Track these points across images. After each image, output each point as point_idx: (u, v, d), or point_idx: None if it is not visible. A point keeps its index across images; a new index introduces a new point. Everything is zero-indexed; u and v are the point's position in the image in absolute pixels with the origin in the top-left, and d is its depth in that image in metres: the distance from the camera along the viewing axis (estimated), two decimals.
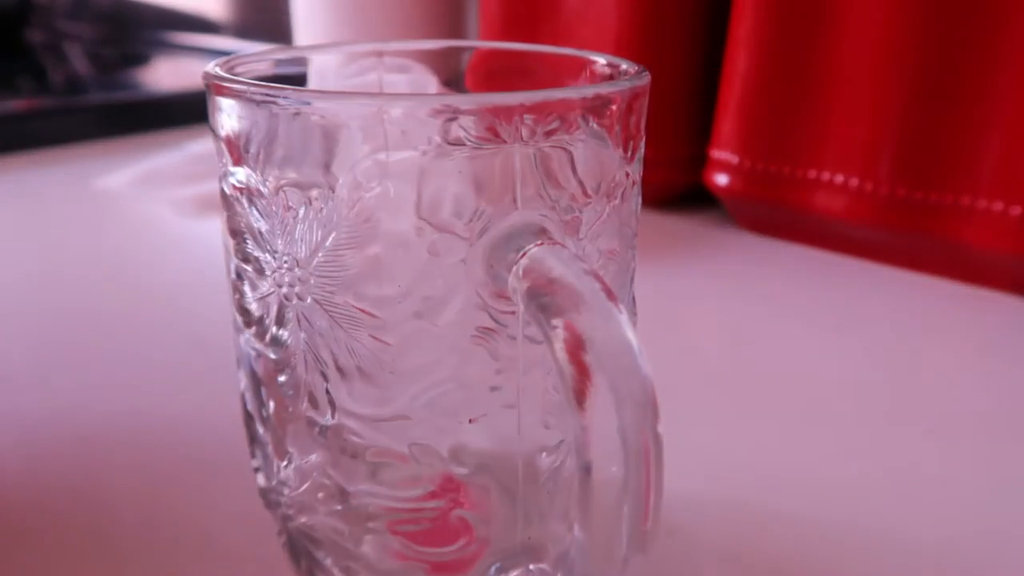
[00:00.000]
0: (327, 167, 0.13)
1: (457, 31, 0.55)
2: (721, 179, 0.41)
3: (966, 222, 0.34)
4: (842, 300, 0.35)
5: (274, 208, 0.14)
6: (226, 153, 0.15)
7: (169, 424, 0.25)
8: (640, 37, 0.41)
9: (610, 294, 0.12)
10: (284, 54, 0.18)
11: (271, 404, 0.16)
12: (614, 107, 0.14)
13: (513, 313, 0.14)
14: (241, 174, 0.14)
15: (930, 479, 0.23)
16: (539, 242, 0.13)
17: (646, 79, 0.15)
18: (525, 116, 0.13)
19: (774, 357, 0.30)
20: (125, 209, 0.45)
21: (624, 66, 0.16)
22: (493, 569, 0.16)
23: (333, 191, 0.13)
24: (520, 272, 0.13)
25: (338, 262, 0.14)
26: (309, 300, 0.14)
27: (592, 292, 0.12)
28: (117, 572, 0.19)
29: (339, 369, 0.14)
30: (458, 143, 0.13)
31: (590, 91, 0.14)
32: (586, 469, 0.11)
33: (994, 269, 0.35)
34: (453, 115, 0.13)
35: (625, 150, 0.15)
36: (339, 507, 0.16)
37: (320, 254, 0.14)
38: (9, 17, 0.91)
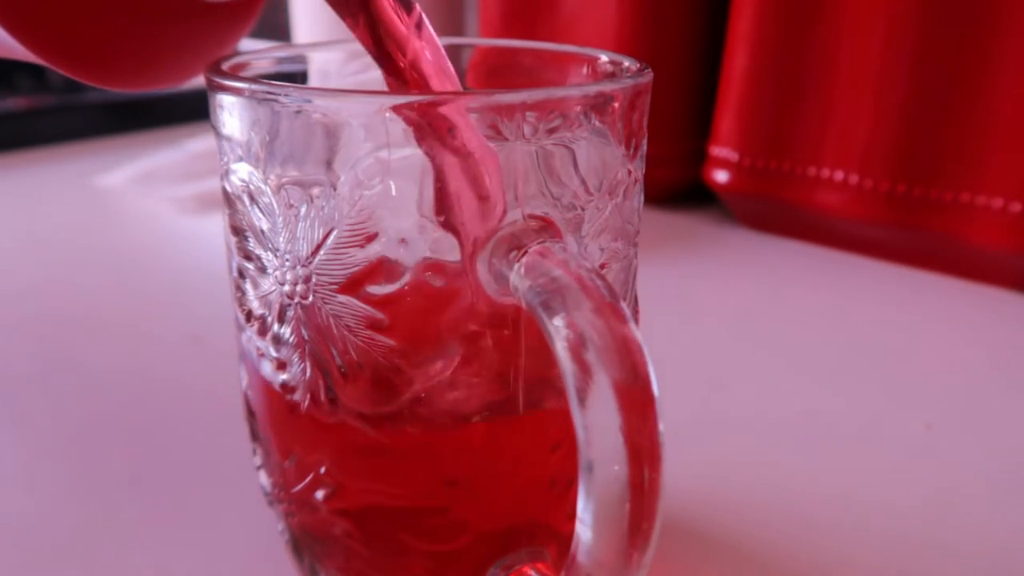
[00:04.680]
0: (329, 165, 0.13)
1: (456, 28, 0.55)
2: (721, 176, 0.41)
3: (966, 218, 0.34)
4: (842, 296, 0.35)
5: (276, 206, 0.14)
6: (228, 151, 0.15)
7: (170, 422, 0.25)
8: (640, 34, 0.41)
9: (612, 292, 0.12)
10: (286, 52, 0.18)
11: (273, 402, 0.16)
12: (616, 105, 0.14)
13: (515, 311, 0.14)
14: (243, 172, 0.14)
15: (930, 475, 0.23)
16: (541, 240, 0.13)
17: (648, 76, 0.15)
18: (527, 114, 0.13)
19: (774, 353, 0.30)
20: (126, 207, 0.45)
21: (626, 63, 0.16)
22: (494, 567, 0.16)
23: (335, 189, 0.13)
24: (522, 270, 0.13)
25: (340, 260, 0.14)
26: (311, 298, 0.14)
27: (594, 290, 0.12)
28: (118, 571, 0.19)
29: (341, 367, 0.14)
30: None
31: (592, 89, 0.14)
32: (588, 468, 0.11)
33: (994, 265, 0.35)
34: None
35: (627, 148, 0.15)
36: (341, 505, 0.16)
37: (322, 252, 0.14)
38: None
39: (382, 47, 0.15)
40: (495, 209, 0.13)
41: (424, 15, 0.15)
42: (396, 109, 0.13)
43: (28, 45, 0.15)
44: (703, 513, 0.21)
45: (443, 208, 0.13)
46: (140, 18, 0.16)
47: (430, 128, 0.13)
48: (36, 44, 0.15)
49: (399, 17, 0.15)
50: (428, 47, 0.15)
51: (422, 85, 0.15)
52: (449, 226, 0.13)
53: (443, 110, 0.13)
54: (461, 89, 0.16)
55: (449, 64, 0.15)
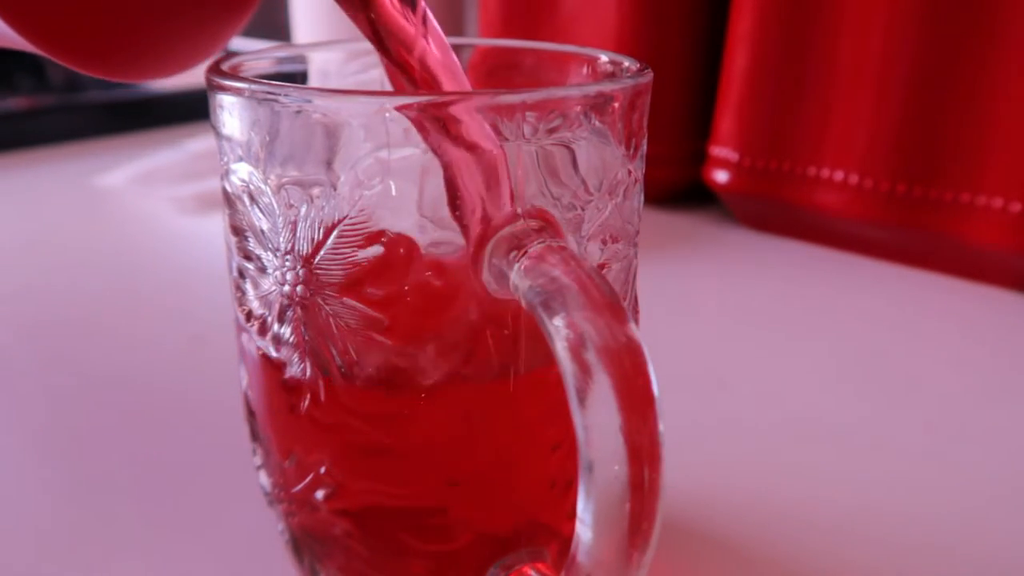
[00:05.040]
0: (329, 165, 0.13)
1: (456, 28, 0.55)
2: (721, 176, 0.41)
3: (966, 218, 0.34)
4: (842, 296, 0.35)
5: (276, 206, 0.14)
6: (228, 151, 0.15)
7: (170, 422, 0.25)
8: (640, 34, 0.41)
9: (612, 292, 0.12)
10: (286, 52, 0.18)
11: (273, 402, 0.16)
12: (616, 105, 0.14)
13: (516, 308, 0.14)
14: (243, 172, 0.14)
15: (930, 475, 0.23)
16: (541, 240, 0.13)
17: (648, 76, 0.15)
18: (527, 114, 0.13)
19: (774, 353, 0.30)
20: (126, 207, 0.45)
21: (626, 63, 0.16)
22: (494, 567, 0.16)
23: (335, 189, 0.13)
24: (522, 270, 0.13)
25: (340, 260, 0.14)
26: (311, 298, 0.14)
27: (594, 290, 0.12)
28: (119, 572, 0.19)
29: (341, 367, 0.14)
30: None
31: (592, 89, 0.14)
32: (588, 468, 0.11)
33: (994, 265, 0.35)
34: None
35: (627, 148, 0.15)
36: (341, 505, 0.16)
37: (322, 252, 0.14)
38: None
39: (385, 45, 0.15)
40: (503, 202, 0.13)
41: (429, 11, 0.15)
42: (397, 109, 0.13)
43: (25, 34, 0.14)
44: (703, 513, 0.21)
45: (453, 202, 0.13)
46: (140, 6, 0.16)
47: (434, 126, 0.13)
48: (33, 33, 0.15)
49: (404, 15, 0.15)
50: (435, 43, 0.15)
51: (430, 82, 0.15)
52: (459, 220, 0.13)
53: (446, 111, 0.13)
54: (468, 84, 0.16)
55: (455, 59, 0.15)
